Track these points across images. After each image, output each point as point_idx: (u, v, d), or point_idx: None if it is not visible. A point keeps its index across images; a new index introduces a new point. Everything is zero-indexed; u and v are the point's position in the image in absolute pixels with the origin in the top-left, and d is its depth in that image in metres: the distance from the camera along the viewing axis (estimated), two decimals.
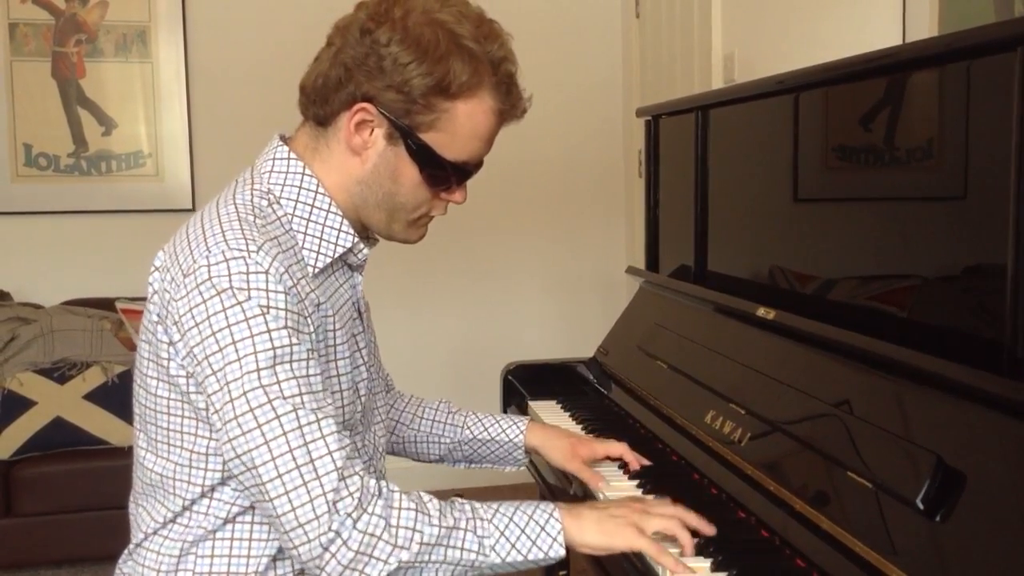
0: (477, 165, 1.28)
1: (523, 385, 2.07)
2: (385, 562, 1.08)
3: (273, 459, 1.07)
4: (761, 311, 1.53)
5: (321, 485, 1.07)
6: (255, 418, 1.07)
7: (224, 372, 1.09)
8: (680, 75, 3.19)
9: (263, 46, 3.52)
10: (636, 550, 1.17)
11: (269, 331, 1.09)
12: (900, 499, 1.05)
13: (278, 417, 1.07)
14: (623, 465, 1.51)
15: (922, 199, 1.28)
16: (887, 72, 1.34)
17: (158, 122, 3.60)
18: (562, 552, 1.15)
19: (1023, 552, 0.90)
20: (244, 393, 1.08)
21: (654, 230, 2.22)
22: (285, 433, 1.07)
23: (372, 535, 1.08)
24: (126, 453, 2.87)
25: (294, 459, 1.07)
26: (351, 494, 1.08)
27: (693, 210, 1.96)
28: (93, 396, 3.07)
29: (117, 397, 3.04)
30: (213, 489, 1.19)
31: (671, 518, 1.19)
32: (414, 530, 1.10)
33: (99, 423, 3.04)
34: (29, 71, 3.49)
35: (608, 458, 1.52)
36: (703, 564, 1.16)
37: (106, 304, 3.32)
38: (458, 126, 1.19)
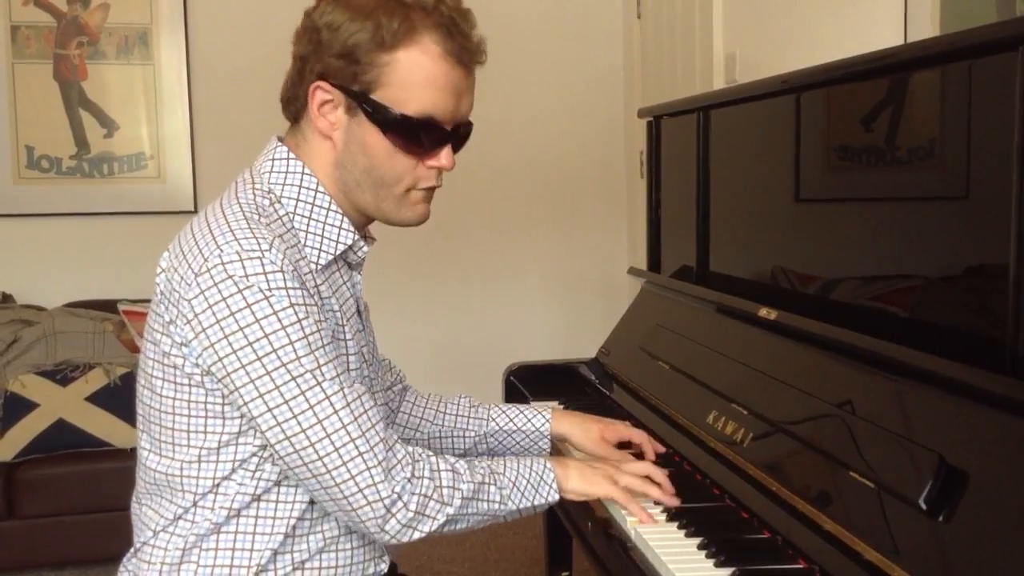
0: (458, 126, 1.25)
1: (525, 386, 2.07)
2: (434, 519, 1.20)
3: (328, 436, 1.14)
4: (763, 311, 1.53)
5: (375, 455, 1.16)
6: (307, 400, 1.13)
7: (261, 364, 1.12)
8: (681, 76, 3.19)
9: (265, 48, 3.50)
10: (610, 498, 1.34)
11: (299, 320, 1.13)
12: (903, 499, 1.05)
13: (328, 398, 1.14)
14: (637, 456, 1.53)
15: (924, 199, 1.28)
16: (888, 72, 1.34)
17: (160, 124, 3.60)
18: (557, 497, 1.31)
19: None
20: (293, 378, 1.12)
21: (656, 231, 2.21)
22: (337, 412, 1.14)
23: (425, 495, 1.19)
24: (128, 455, 2.87)
25: (348, 434, 1.14)
26: (399, 460, 1.18)
27: (695, 211, 1.96)
28: (95, 398, 3.07)
29: (119, 399, 3.04)
30: (222, 482, 1.20)
31: (641, 476, 1.36)
32: (454, 488, 1.21)
33: (101, 425, 3.05)
34: (31, 73, 3.50)
35: (630, 443, 1.56)
36: (707, 564, 1.16)
37: (108, 306, 3.32)
38: (405, 76, 1.18)
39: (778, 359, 1.46)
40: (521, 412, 1.57)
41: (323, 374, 1.14)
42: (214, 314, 1.12)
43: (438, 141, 1.23)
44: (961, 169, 1.19)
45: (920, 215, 1.29)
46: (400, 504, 1.17)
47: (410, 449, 1.21)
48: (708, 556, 1.19)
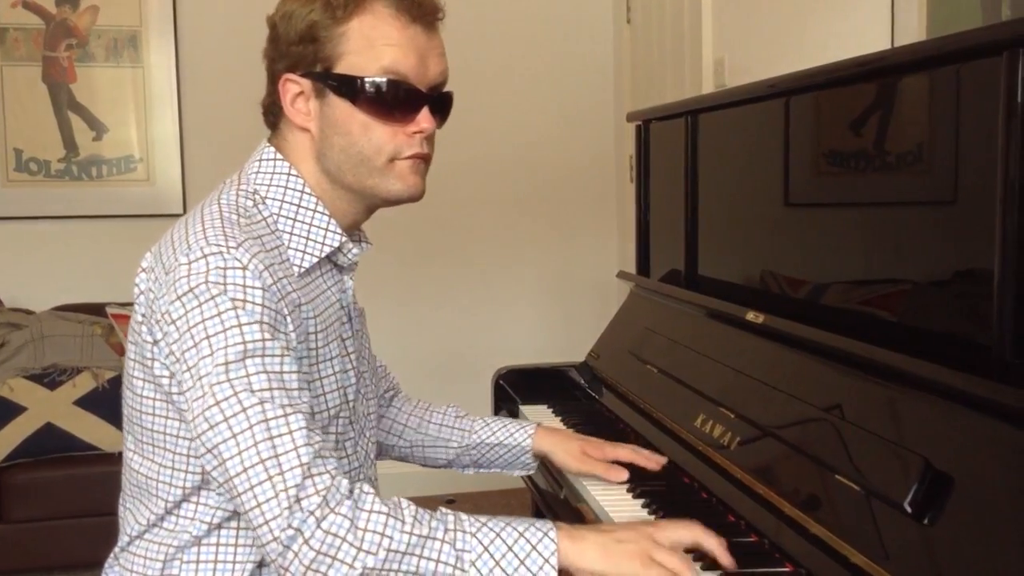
0: (432, 90, 1.22)
1: (514, 390, 2.07)
2: (350, 565, 1.03)
3: (239, 453, 1.05)
4: (751, 315, 1.54)
5: (284, 481, 1.04)
6: (222, 411, 1.06)
7: (197, 367, 1.08)
8: (671, 80, 3.20)
9: (255, 50, 3.50)
10: None
11: (240, 325, 1.08)
12: (888, 502, 1.05)
13: (244, 411, 1.06)
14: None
15: (911, 203, 1.29)
16: (875, 76, 1.35)
17: (149, 127, 3.59)
18: (554, 575, 1.06)
19: (1011, 554, 0.91)
20: (212, 387, 1.07)
21: (645, 234, 2.22)
22: (251, 427, 1.05)
23: (336, 535, 1.03)
24: (117, 459, 2.84)
25: (258, 453, 1.04)
26: (317, 492, 1.04)
27: (684, 215, 1.96)
28: (84, 402, 3.05)
29: (108, 403, 3.02)
30: (197, 492, 1.19)
31: (680, 549, 1.11)
32: (383, 535, 1.04)
33: (90, 429, 3.03)
34: (20, 76, 3.49)
35: (618, 463, 1.47)
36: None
37: (97, 310, 3.31)
38: (361, 41, 1.18)
39: (766, 363, 1.47)
40: (505, 426, 1.54)
41: (248, 384, 1.06)
42: (171, 314, 1.11)
43: (410, 104, 1.21)
44: (948, 174, 1.20)
45: (907, 220, 1.29)
46: (300, 540, 1.02)
47: (343, 483, 1.06)
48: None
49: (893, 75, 1.31)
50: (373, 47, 1.18)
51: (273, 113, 1.27)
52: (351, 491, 1.06)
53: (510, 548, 1.05)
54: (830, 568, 1.08)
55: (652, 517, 1.33)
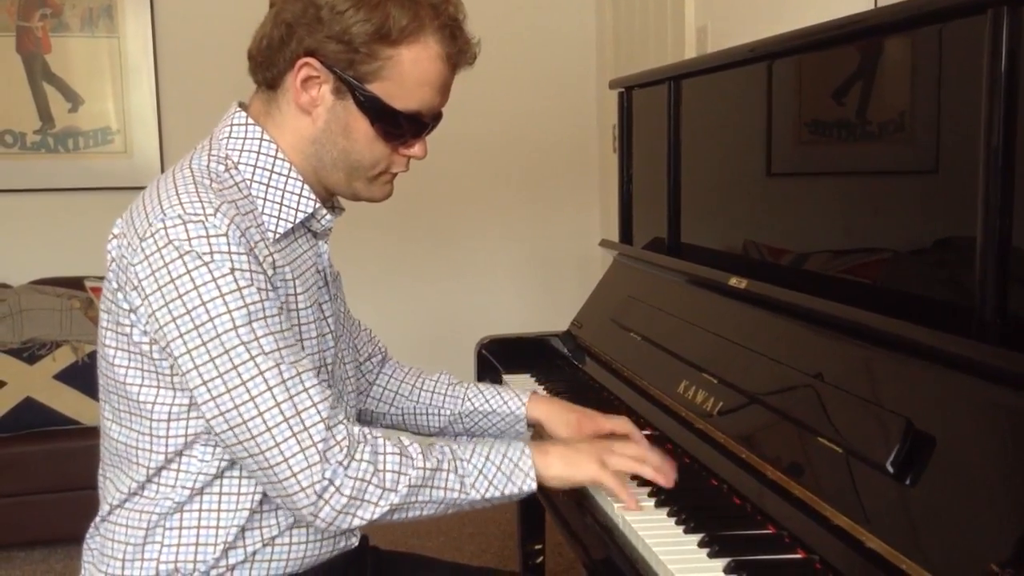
0: (435, 118, 1.26)
1: (497, 359, 2.07)
2: (376, 504, 1.13)
3: (261, 414, 1.09)
4: (734, 280, 1.53)
5: (310, 436, 1.10)
6: (239, 375, 1.09)
7: (198, 333, 1.09)
8: (654, 48, 3.18)
9: (232, 20, 3.45)
10: (597, 483, 1.25)
11: (240, 288, 1.10)
12: (871, 463, 1.05)
13: (262, 373, 1.09)
14: None
15: (894, 173, 1.28)
16: (857, 38, 1.34)
17: (126, 98, 3.54)
18: (534, 486, 1.23)
19: (992, 514, 0.91)
20: (226, 351, 1.09)
21: (627, 203, 2.21)
22: (271, 388, 1.09)
23: (363, 480, 1.12)
24: (97, 433, 2.84)
25: (282, 412, 1.10)
26: (339, 443, 1.12)
27: (666, 182, 1.95)
28: (63, 376, 3.04)
29: (87, 377, 3.00)
30: (177, 458, 1.18)
31: (634, 458, 1.27)
32: (400, 473, 1.14)
33: (69, 403, 3.02)
34: None
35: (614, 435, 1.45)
36: (676, 530, 1.17)
37: (75, 283, 3.28)
38: (404, 74, 1.18)
39: (749, 328, 1.47)
40: (498, 394, 1.53)
41: (260, 347, 1.09)
42: (156, 280, 1.10)
43: (417, 132, 1.24)
44: (931, 135, 1.20)
45: (890, 186, 1.29)
46: (332, 489, 1.11)
47: (356, 430, 1.15)
48: (677, 523, 1.19)
49: (874, 36, 1.30)
50: (413, 85, 1.19)
51: (271, 74, 1.21)
52: (364, 436, 1.15)
53: (498, 468, 1.21)
54: (812, 530, 1.09)
55: (636, 484, 1.33)
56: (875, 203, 1.31)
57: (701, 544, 1.13)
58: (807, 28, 1.44)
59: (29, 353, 3.05)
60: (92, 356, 3.04)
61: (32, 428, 3.00)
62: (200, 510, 1.19)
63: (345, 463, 1.12)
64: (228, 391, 1.09)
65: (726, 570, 1.06)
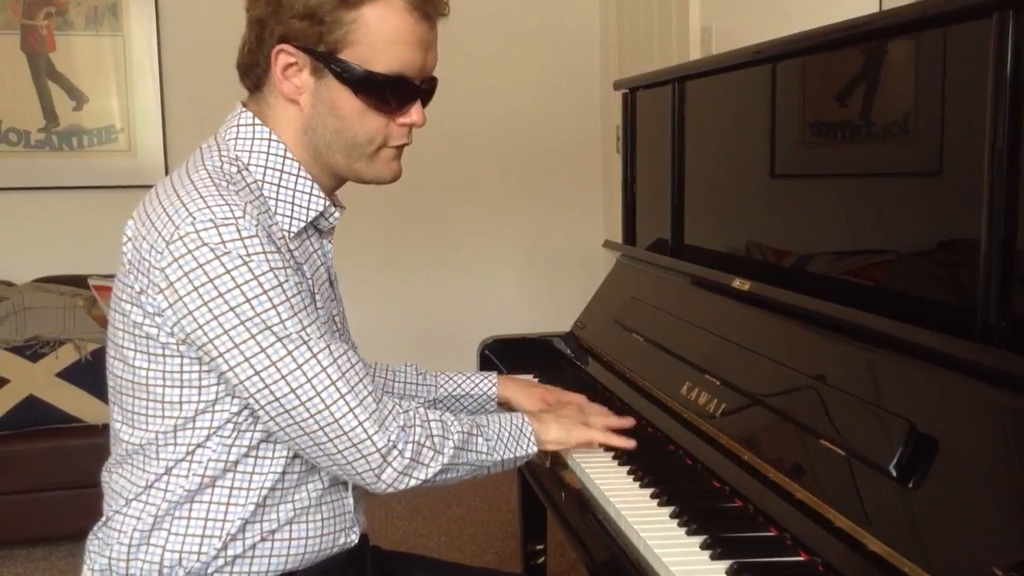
0: (426, 81, 1.24)
1: (500, 360, 2.07)
2: (428, 466, 1.22)
3: (318, 393, 1.14)
4: (736, 282, 1.53)
5: (366, 408, 1.17)
6: (294, 360, 1.13)
7: (245, 328, 1.11)
8: (658, 49, 3.18)
9: (236, 19, 3.46)
10: (590, 440, 1.42)
11: (281, 284, 1.13)
12: (873, 466, 1.05)
13: (315, 355, 1.15)
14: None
15: (898, 175, 1.28)
16: (862, 40, 1.34)
17: (130, 96, 3.55)
18: (535, 449, 1.36)
19: (994, 517, 0.91)
20: (279, 339, 1.13)
21: (631, 203, 2.21)
22: (325, 369, 1.15)
23: (419, 443, 1.21)
24: (100, 431, 2.84)
25: (338, 390, 1.15)
26: (391, 412, 1.20)
27: (670, 184, 1.95)
28: (66, 374, 3.04)
29: (91, 375, 3.01)
30: (195, 450, 1.19)
31: (604, 415, 1.49)
32: (445, 437, 1.24)
33: (72, 401, 3.01)
34: None
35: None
36: (679, 532, 1.16)
37: (79, 281, 3.28)
38: (373, 33, 1.17)
39: (751, 330, 1.47)
40: (468, 378, 1.63)
41: (308, 334, 1.15)
42: (191, 281, 1.11)
43: (407, 97, 1.23)
44: (935, 137, 1.19)
45: (894, 188, 1.29)
46: (396, 452, 1.19)
47: (396, 400, 1.23)
48: (680, 525, 1.19)
49: (880, 39, 1.30)
50: (384, 43, 1.18)
51: (256, 75, 1.24)
52: (402, 407, 1.23)
53: (510, 434, 1.34)
54: (814, 532, 1.09)
55: (638, 485, 1.33)
56: (879, 205, 1.31)
57: (703, 546, 1.13)
58: (812, 30, 1.44)
59: (32, 351, 3.06)
60: (95, 354, 3.05)
61: (35, 426, 2.99)
62: (210, 502, 1.20)
63: (406, 428, 1.20)
64: (283, 376, 1.13)
65: (728, 572, 1.06)
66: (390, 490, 1.21)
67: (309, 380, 1.14)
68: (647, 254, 2.05)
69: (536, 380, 1.92)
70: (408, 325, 3.81)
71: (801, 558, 1.09)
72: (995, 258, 1.04)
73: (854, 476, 1.08)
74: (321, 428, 1.15)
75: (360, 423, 1.16)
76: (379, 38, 1.17)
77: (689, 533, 1.17)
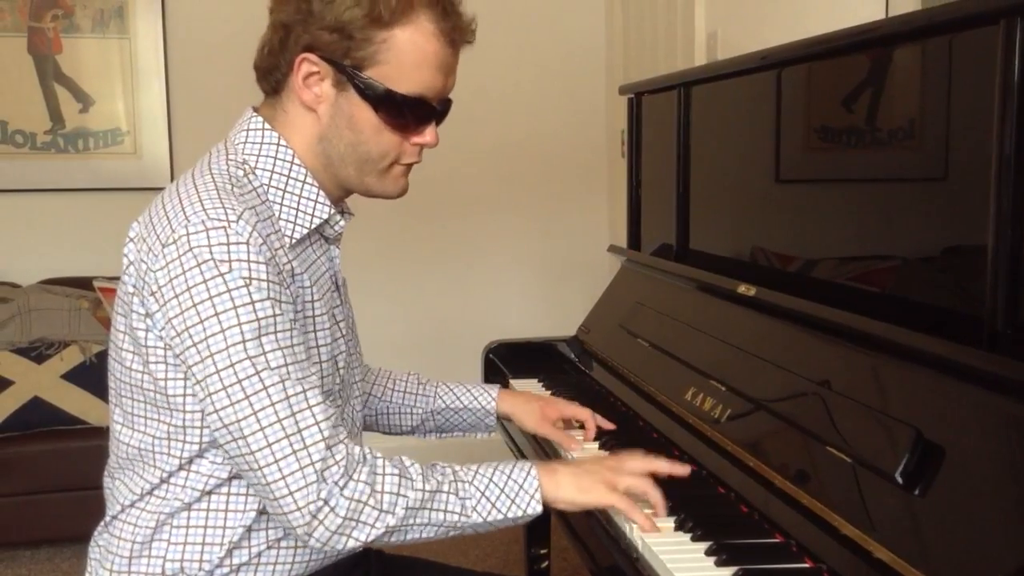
0: (443, 103, 1.25)
1: (504, 364, 2.06)
2: (372, 526, 1.12)
3: (262, 429, 1.09)
4: (742, 288, 1.53)
5: (309, 455, 1.09)
6: (243, 389, 1.08)
7: (207, 344, 1.09)
8: (663, 54, 3.18)
9: (243, 22, 3.46)
10: (609, 506, 1.22)
11: (253, 302, 1.09)
12: (879, 473, 1.05)
13: (266, 388, 1.09)
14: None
15: (904, 180, 1.28)
16: (868, 47, 1.34)
17: (136, 99, 3.55)
18: (540, 509, 1.19)
19: (1001, 525, 0.91)
20: (232, 364, 1.08)
21: (636, 208, 2.21)
22: (273, 404, 1.09)
23: (359, 501, 1.11)
24: (104, 433, 2.83)
25: (283, 429, 1.09)
26: (337, 463, 1.10)
27: (675, 188, 1.95)
28: (71, 376, 3.04)
29: (95, 377, 3.01)
30: (192, 461, 1.19)
31: (642, 476, 1.23)
32: (398, 495, 1.12)
33: (77, 403, 3.02)
34: (4, 46, 3.44)
35: (575, 421, 1.57)
36: (683, 538, 1.16)
37: (84, 283, 3.29)
38: (401, 55, 1.17)
39: (757, 336, 1.46)
40: (468, 391, 1.58)
41: (266, 362, 1.09)
42: (173, 287, 1.10)
43: (425, 119, 1.23)
44: (941, 143, 1.19)
45: (900, 193, 1.29)
46: (327, 509, 1.09)
47: (357, 450, 1.14)
48: (685, 531, 1.19)
49: (886, 46, 1.30)
50: (411, 66, 1.18)
51: (275, 78, 1.23)
52: (364, 456, 1.13)
53: (502, 490, 1.18)
54: (820, 539, 1.08)
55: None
56: (885, 211, 1.31)
57: (708, 552, 1.12)
58: (818, 36, 1.44)
59: (37, 353, 3.06)
60: (100, 356, 3.05)
61: (39, 427, 3.00)
62: (208, 510, 1.20)
63: (341, 483, 1.10)
64: (232, 404, 1.09)
65: None
66: (327, 548, 1.12)
67: (255, 413, 1.08)
68: (652, 259, 2.05)
69: (540, 385, 1.93)
70: (414, 328, 3.81)
71: (807, 565, 1.09)
72: (1002, 264, 1.04)
73: (860, 483, 1.08)
74: (260, 468, 1.09)
75: (300, 468, 1.08)
76: (406, 60, 1.17)
77: (694, 539, 1.16)
